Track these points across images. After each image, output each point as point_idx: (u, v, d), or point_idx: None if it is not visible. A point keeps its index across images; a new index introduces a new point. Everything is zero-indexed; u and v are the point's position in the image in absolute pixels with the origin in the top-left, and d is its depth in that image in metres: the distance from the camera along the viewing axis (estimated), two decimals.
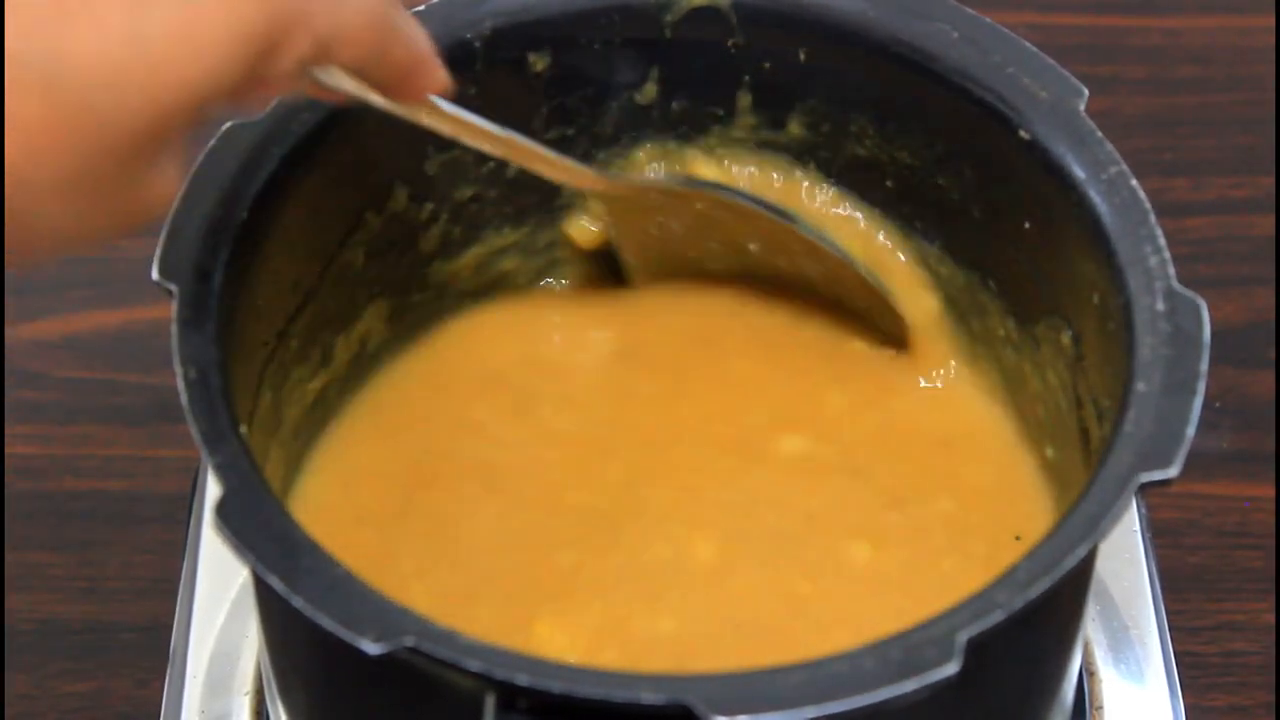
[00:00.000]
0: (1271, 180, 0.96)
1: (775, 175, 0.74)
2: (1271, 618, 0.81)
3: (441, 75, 0.61)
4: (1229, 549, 0.84)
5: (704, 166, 0.75)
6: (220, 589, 0.75)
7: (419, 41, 0.59)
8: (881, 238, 0.74)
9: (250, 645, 0.73)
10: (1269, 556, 0.83)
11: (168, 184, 0.52)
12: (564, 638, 0.66)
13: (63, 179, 0.48)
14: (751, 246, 0.73)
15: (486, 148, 0.67)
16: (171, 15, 0.49)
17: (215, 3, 0.50)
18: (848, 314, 0.74)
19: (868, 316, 0.74)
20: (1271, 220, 0.95)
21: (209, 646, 0.74)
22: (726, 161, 0.75)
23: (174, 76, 0.49)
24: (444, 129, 0.65)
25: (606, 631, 0.67)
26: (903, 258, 0.74)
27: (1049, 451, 0.70)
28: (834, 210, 0.74)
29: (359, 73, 0.57)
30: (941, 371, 0.74)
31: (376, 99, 0.60)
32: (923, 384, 0.74)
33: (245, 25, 0.50)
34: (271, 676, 0.68)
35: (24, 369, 0.88)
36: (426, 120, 0.63)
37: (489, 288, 0.76)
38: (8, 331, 0.89)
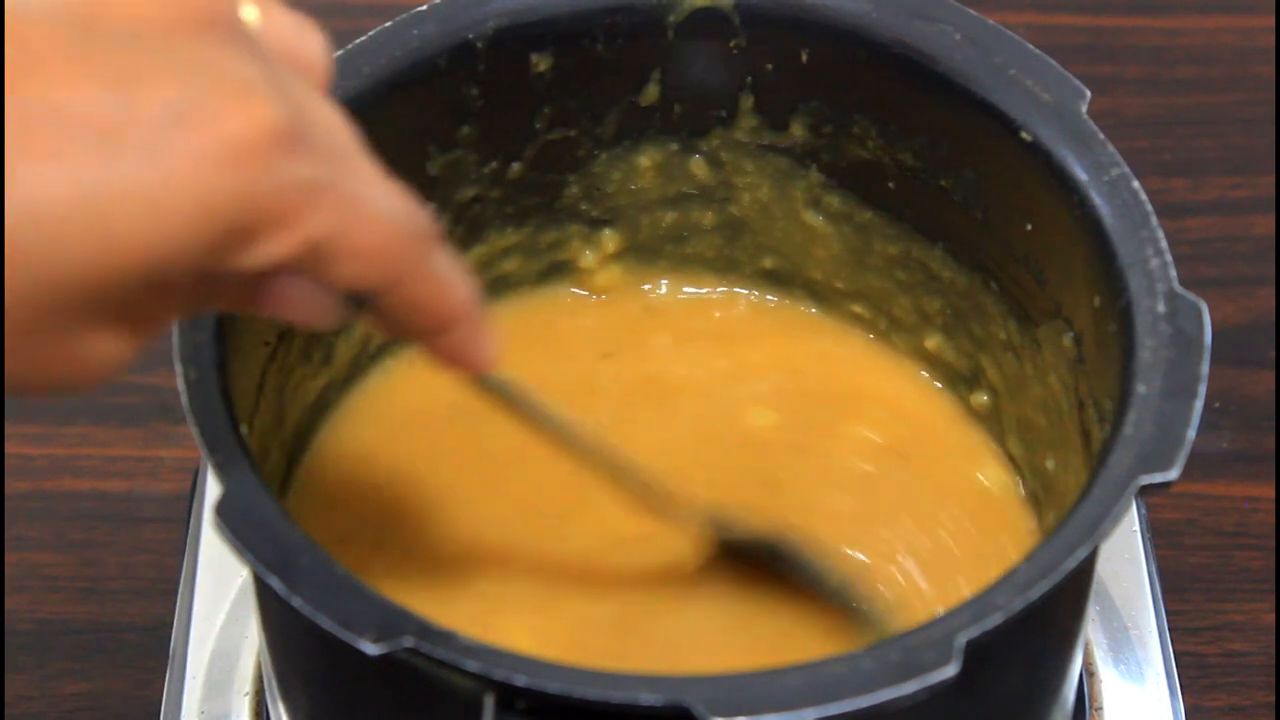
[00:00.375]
0: (1271, 180, 0.96)
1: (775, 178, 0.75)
2: (1271, 618, 0.81)
3: (486, 348, 0.54)
4: (1229, 549, 0.84)
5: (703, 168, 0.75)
6: (220, 589, 0.75)
7: (455, 292, 0.52)
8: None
9: (250, 645, 0.73)
10: (1269, 556, 0.83)
11: (110, 352, 0.47)
12: (562, 637, 0.66)
13: (8, 318, 0.45)
14: None
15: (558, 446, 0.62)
16: (138, 171, 0.44)
17: (188, 168, 0.45)
18: None
19: None
20: (1271, 220, 0.95)
21: (209, 646, 0.74)
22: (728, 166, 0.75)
23: (124, 238, 0.44)
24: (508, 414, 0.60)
25: (606, 631, 0.67)
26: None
27: (1049, 462, 0.70)
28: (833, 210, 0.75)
29: (370, 306, 0.51)
30: None
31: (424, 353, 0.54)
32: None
33: (215, 200, 0.45)
34: (271, 677, 0.68)
35: None
36: (488, 399, 0.58)
37: (491, 288, 0.76)
38: None
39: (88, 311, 0.46)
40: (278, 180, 0.46)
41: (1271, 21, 1.03)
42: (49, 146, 0.44)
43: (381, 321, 0.53)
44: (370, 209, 0.49)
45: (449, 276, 0.52)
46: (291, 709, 0.67)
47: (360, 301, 0.51)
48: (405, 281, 0.51)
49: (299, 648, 0.64)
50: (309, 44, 0.52)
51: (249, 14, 0.50)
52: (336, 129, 0.49)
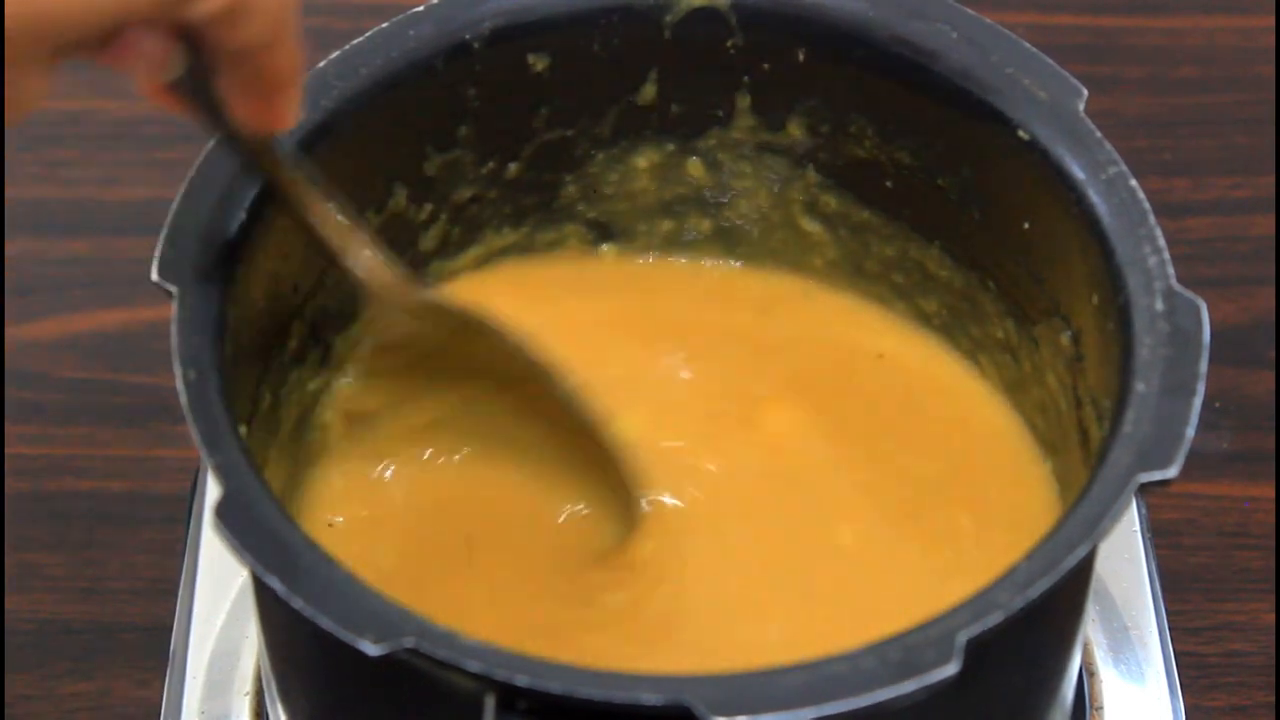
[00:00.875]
0: (1271, 180, 0.96)
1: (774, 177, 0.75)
2: (1271, 618, 0.81)
3: (296, 112, 0.59)
4: (1229, 549, 0.84)
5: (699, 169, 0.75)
6: (220, 589, 0.75)
7: (301, 57, 0.57)
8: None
9: (250, 646, 0.73)
10: (1269, 556, 0.83)
11: (25, 94, 0.52)
12: (563, 637, 0.66)
13: None
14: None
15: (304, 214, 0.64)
16: None
17: None
18: None
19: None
20: (1271, 220, 0.95)
21: (209, 646, 0.74)
22: (725, 168, 0.75)
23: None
24: (273, 177, 0.63)
25: (607, 631, 0.67)
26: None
27: (1048, 461, 0.70)
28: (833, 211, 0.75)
29: (234, 64, 0.56)
30: None
31: (212, 122, 0.58)
32: None
33: None
34: (271, 678, 0.68)
35: (24, 369, 0.88)
36: (262, 165, 0.62)
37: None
38: (8, 331, 0.89)
39: (54, 51, 0.50)
40: None
41: (1272, 21, 1.03)
42: None
43: (230, 80, 0.57)
44: None
45: (300, 41, 0.57)
46: (291, 710, 0.67)
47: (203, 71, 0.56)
48: (281, 42, 0.56)
49: (299, 649, 0.64)
50: None
51: None
52: None
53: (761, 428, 0.73)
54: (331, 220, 0.63)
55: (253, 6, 0.54)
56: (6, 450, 0.85)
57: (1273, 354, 0.90)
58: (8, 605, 0.81)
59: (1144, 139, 0.98)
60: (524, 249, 0.76)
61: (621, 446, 0.68)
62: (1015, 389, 0.72)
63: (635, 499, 0.68)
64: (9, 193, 0.94)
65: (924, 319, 0.75)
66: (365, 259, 0.64)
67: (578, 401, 0.67)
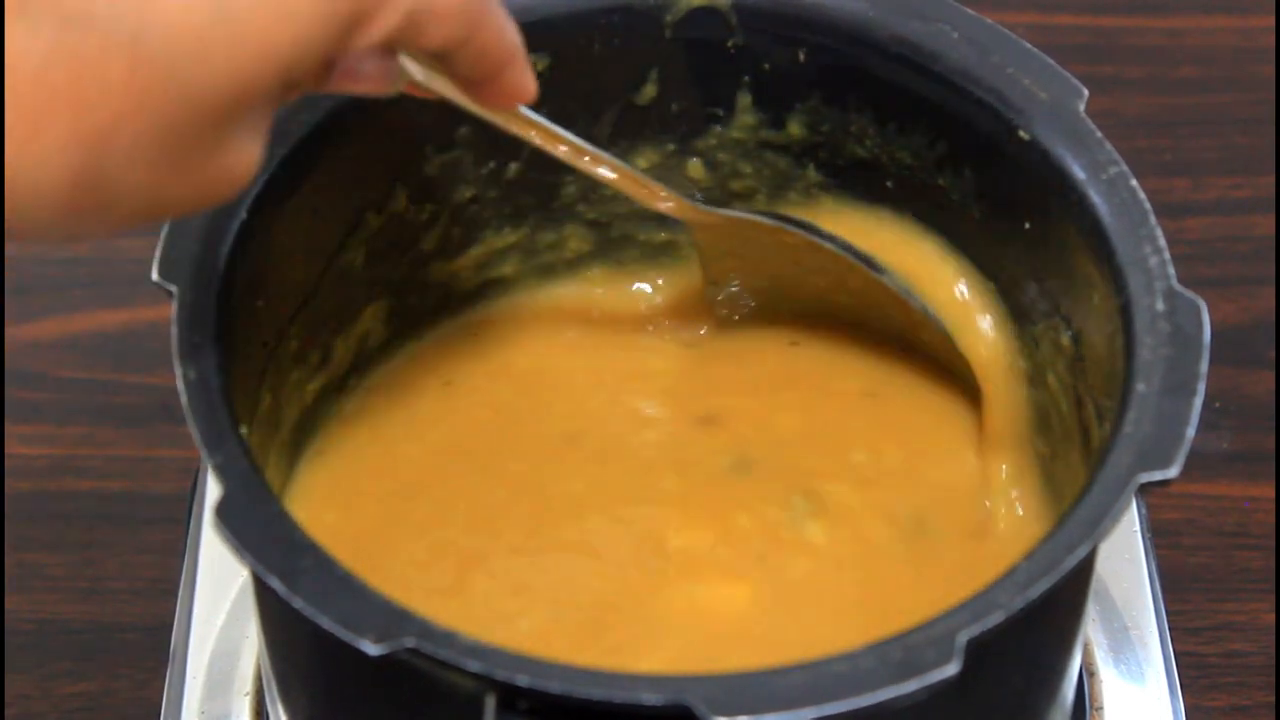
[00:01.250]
0: (1271, 180, 0.96)
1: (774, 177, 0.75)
2: (1271, 618, 0.81)
3: (530, 81, 0.60)
4: (1229, 549, 0.84)
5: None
6: (220, 589, 0.75)
7: (510, 36, 0.58)
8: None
9: (250, 646, 0.73)
10: (1269, 556, 0.83)
11: (249, 156, 0.51)
12: (564, 637, 0.66)
13: (144, 143, 0.48)
14: (832, 290, 0.73)
15: (576, 163, 0.67)
16: None
17: None
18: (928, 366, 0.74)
19: (948, 369, 0.73)
20: (1271, 220, 0.95)
21: (209, 646, 0.74)
22: (725, 166, 0.75)
23: (258, 46, 0.48)
24: (535, 139, 0.65)
25: (608, 630, 0.67)
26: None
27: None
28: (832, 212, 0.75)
29: (446, 61, 0.57)
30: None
31: (466, 101, 0.60)
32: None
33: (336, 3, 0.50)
34: (271, 678, 0.68)
35: (24, 369, 0.88)
36: (517, 129, 0.63)
37: (489, 289, 0.76)
38: (8, 331, 0.89)
39: (234, 120, 0.49)
40: None
41: (1272, 21, 1.03)
42: None
43: (450, 73, 0.58)
44: None
45: (504, 21, 0.58)
46: (291, 710, 0.67)
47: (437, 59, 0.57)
48: (477, 32, 0.56)
49: (299, 649, 0.64)
50: None
51: None
52: None
53: (760, 427, 0.73)
54: (587, 154, 0.67)
55: (433, 10, 0.54)
56: (6, 450, 0.85)
57: (1273, 354, 0.90)
58: (8, 605, 0.81)
59: (1144, 139, 0.98)
60: (525, 250, 0.76)
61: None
62: (1014, 388, 0.72)
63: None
64: None
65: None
66: (641, 187, 0.69)
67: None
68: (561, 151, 0.66)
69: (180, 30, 0.47)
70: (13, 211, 0.47)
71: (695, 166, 0.75)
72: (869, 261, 0.71)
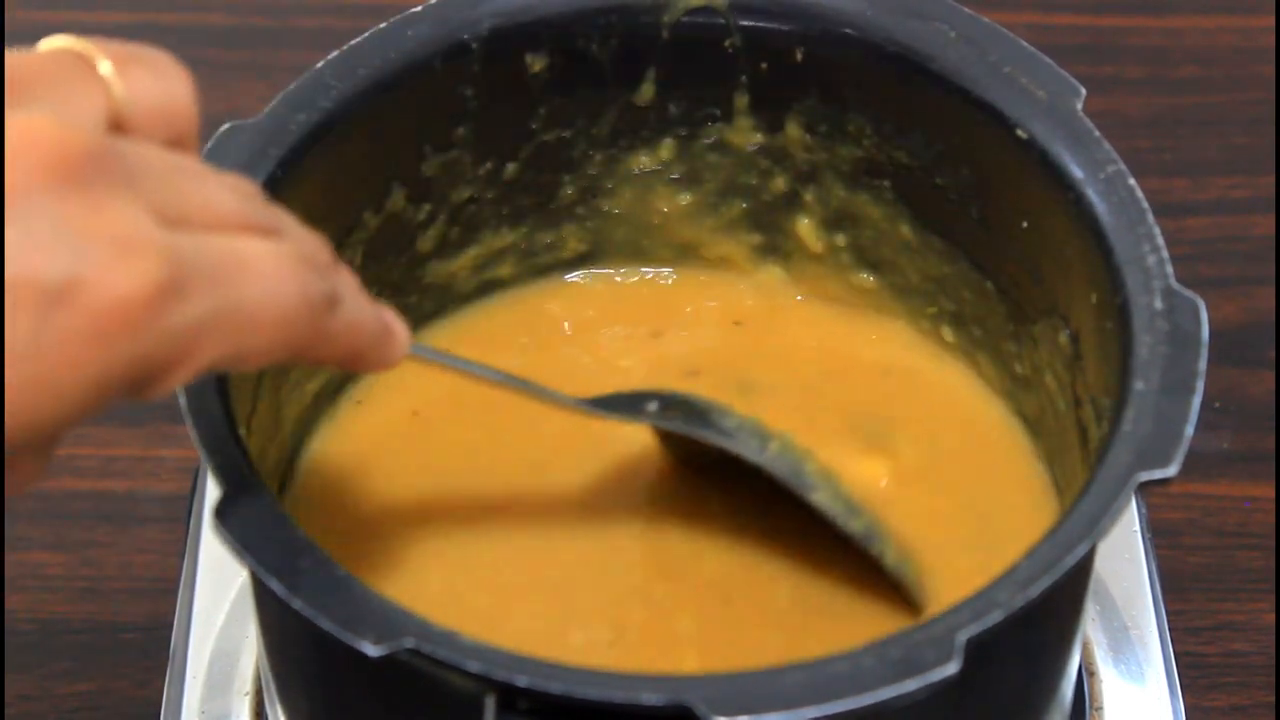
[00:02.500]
0: (1271, 180, 0.96)
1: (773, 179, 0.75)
2: (1271, 618, 0.81)
3: (395, 347, 0.56)
4: (1229, 549, 0.84)
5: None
6: (220, 589, 0.75)
7: (360, 329, 0.54)
8: None
9: (250, 645, 0.73)
10: (1269, 556, 0.83)
11: (20, 478, 0.48)
12: (563, 637, 0.66)
13: None
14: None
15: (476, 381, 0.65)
16: (23, 360, 0.44)
17: (75, 348, 0.45)
18: None
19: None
20: (1271, 220, 0.95)
21: (209, 646, 0.74)
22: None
23: (20, 419, 0.45)
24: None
25: (607, 631, 0.67)
26: None
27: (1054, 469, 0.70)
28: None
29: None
30: None
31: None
32: None
33: (107, 371, 0.46)
34: (270, 679, 0.68)
35: None
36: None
37: (487, 289, 0.76)
38: None
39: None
40: (164, 332, 0.46)
41: (1272, 21, 1.03)
42: None
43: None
44: (260, 313, 0.49)
45: (350, 323, 0.53)
46: (290, 712, 0.67)
47: None
48: (310, 349, 0.52)
49: (299, 650, 0.64)
50: (170, 91, 0.50)
51: (104, 69, 0.49)
52: (219, 221, 0.49)
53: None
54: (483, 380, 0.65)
55: (251, 353, 0.49)
56: None
57: (1273, 354, 0.90)
58: (8, 605, 0.81)
59: (1144, 139, 0.98)
60: (522, 250, 0.76)
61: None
62: (1014, 388, 0.72)
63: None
64: None
65: (921, 318, 0.75)
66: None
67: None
68: (468, 377, 0.64)
69: None
70: None
71: (692, 163, 0.75)
72: (799, 476, 0.66)
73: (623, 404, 0.68)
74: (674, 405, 0.68)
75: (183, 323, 0.47)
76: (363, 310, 0.54)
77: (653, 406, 0.68)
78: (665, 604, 0.67)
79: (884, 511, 0.69)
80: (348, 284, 0.54)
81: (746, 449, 0.66)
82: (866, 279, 0.75)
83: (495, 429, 0.72)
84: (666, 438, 0.70)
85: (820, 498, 0.66)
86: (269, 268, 0.49)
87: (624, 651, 0.65)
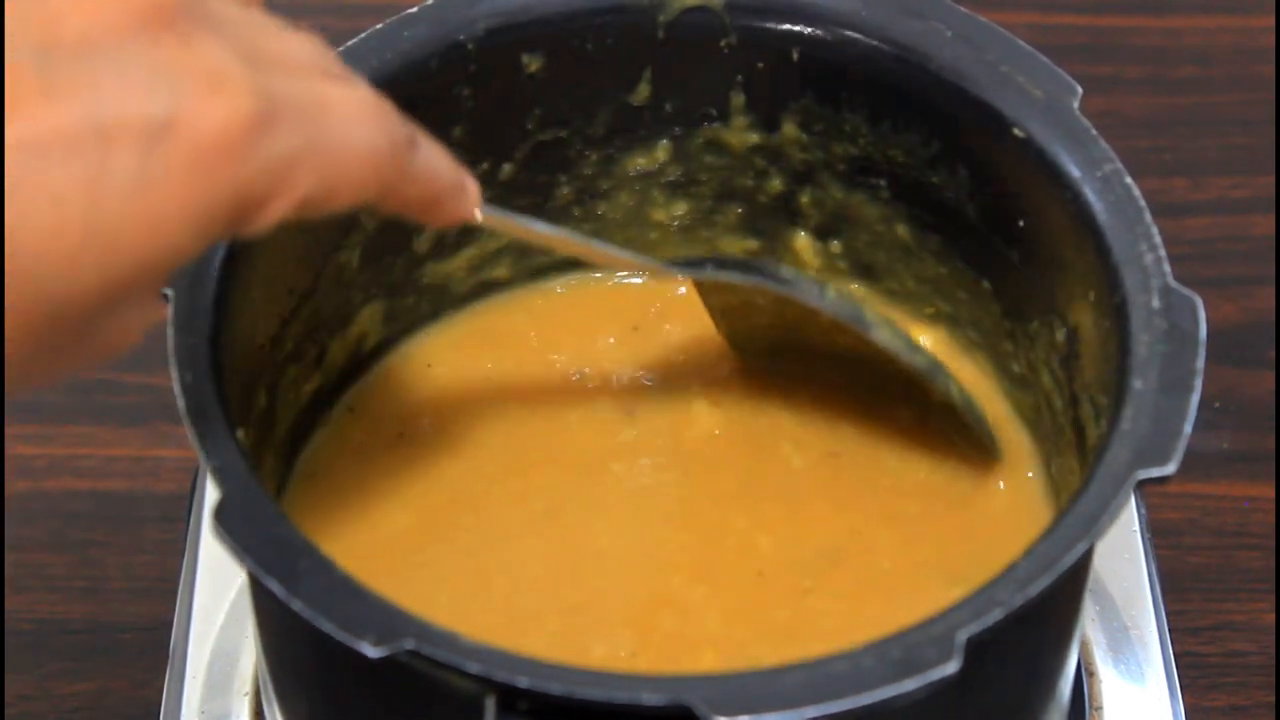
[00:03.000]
0: (1271, 180, 0.96)
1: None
2: (1271, 618, 0.81)
3: (471, 202, 0.59)
4: (1229, 549, 0.84)
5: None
6: (220, 589, 0.75)
7: (438, 174, 0.57)
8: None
9: (250, 645, 0.73)
10: (1269, 556, 0.83)
11: (126, 333, 0.50)
12: (561, 637, 0.66)
13: (14, 341, 0.47)
14: (818, 337, 0.71)
15: (543, 245, 0.67)
16: (131, 196, 0.46)
17: (179, 181, 0.47)
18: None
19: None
20: (1271, 220, 0.95)
21: (209, 646, 0.74)
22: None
23: (130, 258, 0.47)
24: (501, 231, 0.64)
25: (610, 631, 0.67)
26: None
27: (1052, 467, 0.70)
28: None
29: (369, 209, 0.55)
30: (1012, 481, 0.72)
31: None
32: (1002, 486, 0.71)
33: (211, 202, 0.48)
34: (267, 681, 0.68)
35: None
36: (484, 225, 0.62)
37: (483, 290, 0.76)
38: None
39: (105, 313, 0.48)
40: (262, 163, 0.49)
41: (1272, 21, 1.03)
42: (45, 191, 0.45)
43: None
44: (348, 149, 0.51)
45: (429, 167, 0.56)
46: (289, 715, 0.67)
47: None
48: (394, 189, 0.54)
49: (298, 652, 0.63)
50: None
51: None
52: (299, 67, 0.51)
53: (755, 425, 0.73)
54: (550, 239, 0.66)
55: (340, 189, 0.52)
56: (6, 450, 0.85)
57: (1273, 354, 0.90)
58: (8, 605, 0.81)
59: (1144, 139, 0.98)
60: (519, 251, 0.76)
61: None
62: (1010, 387, 0.72)
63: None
64: None
65: (919, 317, 0.75)
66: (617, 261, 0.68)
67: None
68: (536, 239, 0.66)
69: (49, 247, 0.46)
70: None
71: (689, 162, 0.75)
72: (859, 317, 0.68)
73: (681, 264, 0.70)
74: (731, 264, 0.70)
75: (278, 154, 0.49)
76: (440, 156, 0.57)
77: (709, 267, 0.69)
78: (677, 614, 0.67)
79: (880, 511, 0.69)
80: (422, 132, 0.56)
81: (807, 294, 0.67)
82: (859, 290, 0.75)
83: (491, 434, 0.72)
84: (723, 314, 0.71)
85: (881, 335, 0.67)
86: (352, 108, 0.52)
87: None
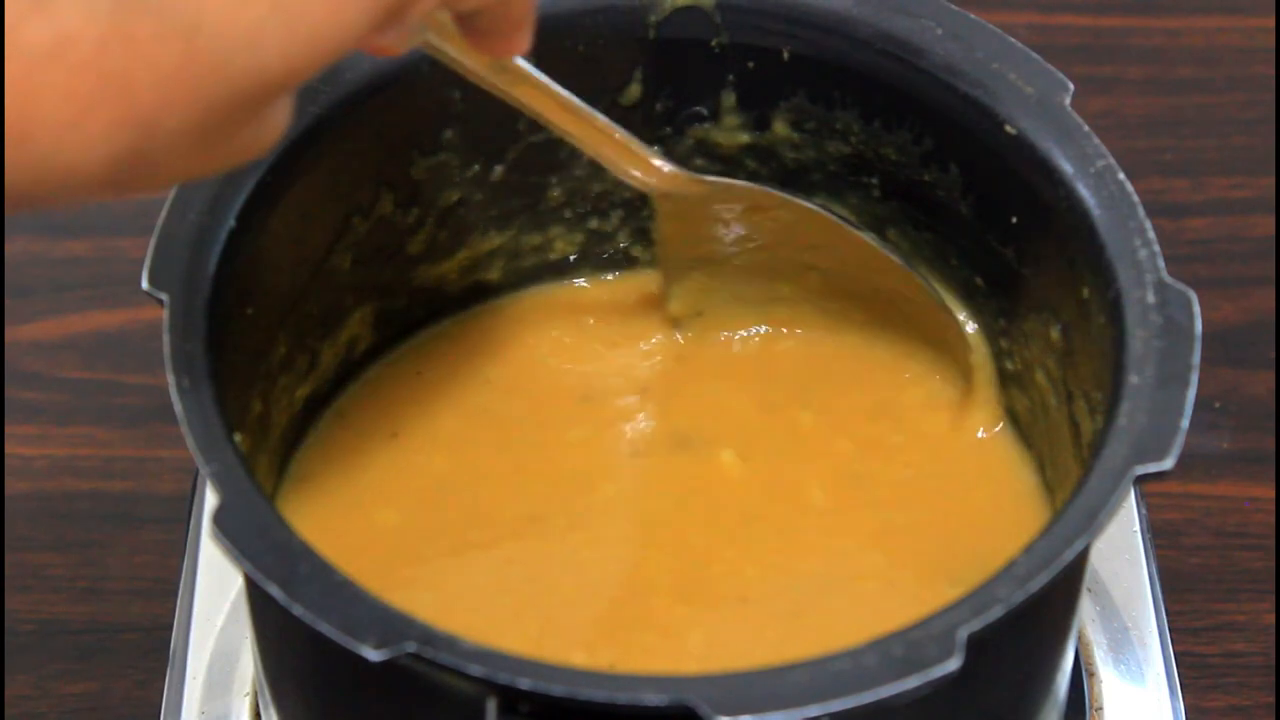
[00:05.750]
0: (1271, 180, 0.96)
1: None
2: (1271, 618, 0.81)
3: (530, 36, 0.60)
4: (1229, 549, 0.83)
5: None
6: (220, 590, 0.75)
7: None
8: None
9: (250, 646, 0.73)
10: (1269, 556, 0.83)
11: (281, 121, 0.52)
12: (560, 638, 0.66)
13: (190, 126, 0.48)
14: (819, 265, 0.73)
15: (562, 121, 0.67)
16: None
17: None
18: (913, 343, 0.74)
19: (937, 346, 0.73)
20: (1271, 220, 0.95)
21: (209, 647, 0.74)
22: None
23: (309, 38, 0.49)
24: (523, 98, 0.65)
25: (609, 631, 0.67)
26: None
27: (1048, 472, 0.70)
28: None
29: (471, 18, 0.57)
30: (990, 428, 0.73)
31: (469, 61, 0.62)
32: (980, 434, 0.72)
33: None
34: (265, 684, 0.68)
35: (24, 369, 0.88)
36: (506, 84, 0.64)
37: (475, 292, 0.76)
38: (8, 331, 0.89)
39: (274, 99, 0.50)
40: None
41: (1272, 21, 1.03)
42: None
43: (467, 27, 0.59)
44: None
45: None
46: (287, 717, 0.67)
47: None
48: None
49: (297, 656, 0.63)
50: None
51: None
52: None
53: (751, 431, 0.73)
54: (574, 110, 0.66)
55: None
56: (6, 450, 0.85)
57: (1273, 354, 0.90)
58: (8, 605, 0.81)
59: (1144, 139, 0.98)
60: (511, 253, 0.76)
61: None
62: (1005, 385, 0.72)
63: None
64: None
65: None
66: (624, 149, 0.68)
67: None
68: (550, 110, 0.66)
69: (236, 22, 0.47)
70: (43, 188, 0.47)
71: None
72: (850, 221, 0.71)
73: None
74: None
75: None
76: None
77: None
78: (657, 632, 0.67)
79: (876, 516, 0.69)
80: None
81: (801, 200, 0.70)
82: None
83: (486, 436, 0.72)
84: (685, 232, 0.72)
85: (862, 233, 0.70)
86: None
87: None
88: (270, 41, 0.48)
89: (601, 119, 0.67)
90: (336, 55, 0.50)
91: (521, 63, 0.64)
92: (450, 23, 0.60)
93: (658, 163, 0.69)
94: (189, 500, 0.78)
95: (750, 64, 0.72)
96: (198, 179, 0.53)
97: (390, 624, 0.54)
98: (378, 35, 0.52)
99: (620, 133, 0.68)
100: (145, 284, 0.61)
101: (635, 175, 0.69)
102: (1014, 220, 0.68)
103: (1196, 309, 0.60)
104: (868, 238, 0.71)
